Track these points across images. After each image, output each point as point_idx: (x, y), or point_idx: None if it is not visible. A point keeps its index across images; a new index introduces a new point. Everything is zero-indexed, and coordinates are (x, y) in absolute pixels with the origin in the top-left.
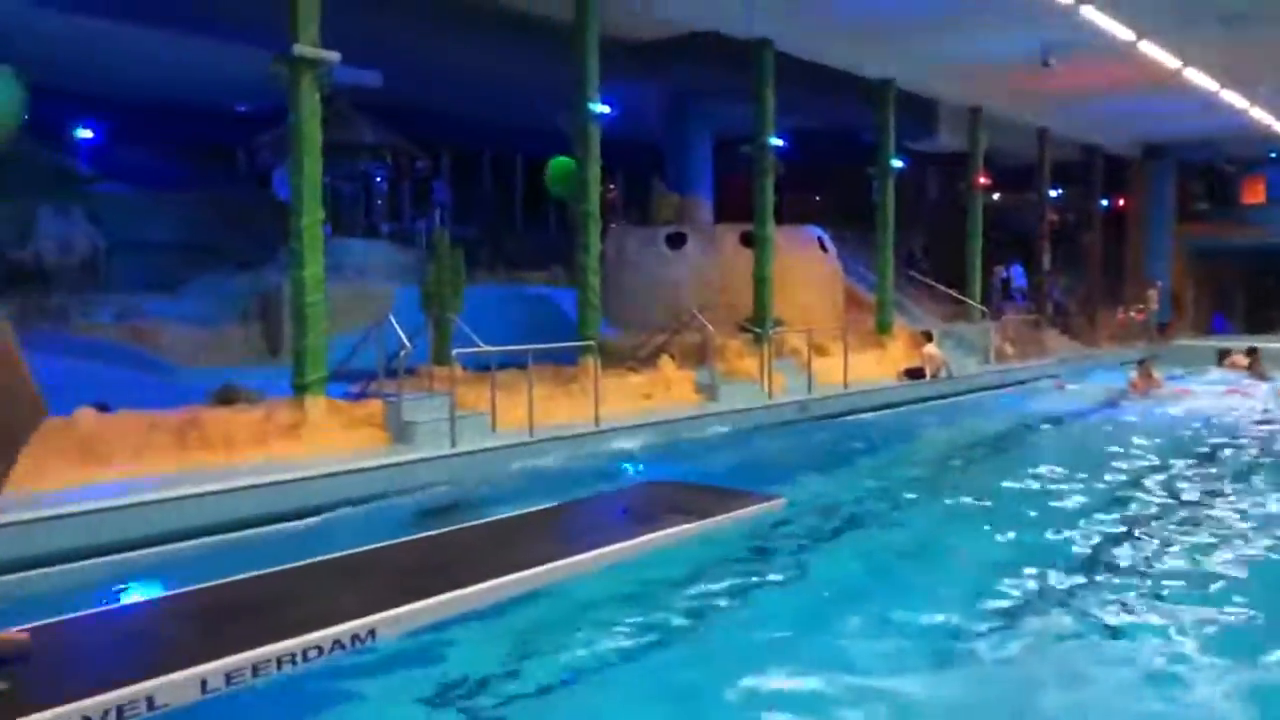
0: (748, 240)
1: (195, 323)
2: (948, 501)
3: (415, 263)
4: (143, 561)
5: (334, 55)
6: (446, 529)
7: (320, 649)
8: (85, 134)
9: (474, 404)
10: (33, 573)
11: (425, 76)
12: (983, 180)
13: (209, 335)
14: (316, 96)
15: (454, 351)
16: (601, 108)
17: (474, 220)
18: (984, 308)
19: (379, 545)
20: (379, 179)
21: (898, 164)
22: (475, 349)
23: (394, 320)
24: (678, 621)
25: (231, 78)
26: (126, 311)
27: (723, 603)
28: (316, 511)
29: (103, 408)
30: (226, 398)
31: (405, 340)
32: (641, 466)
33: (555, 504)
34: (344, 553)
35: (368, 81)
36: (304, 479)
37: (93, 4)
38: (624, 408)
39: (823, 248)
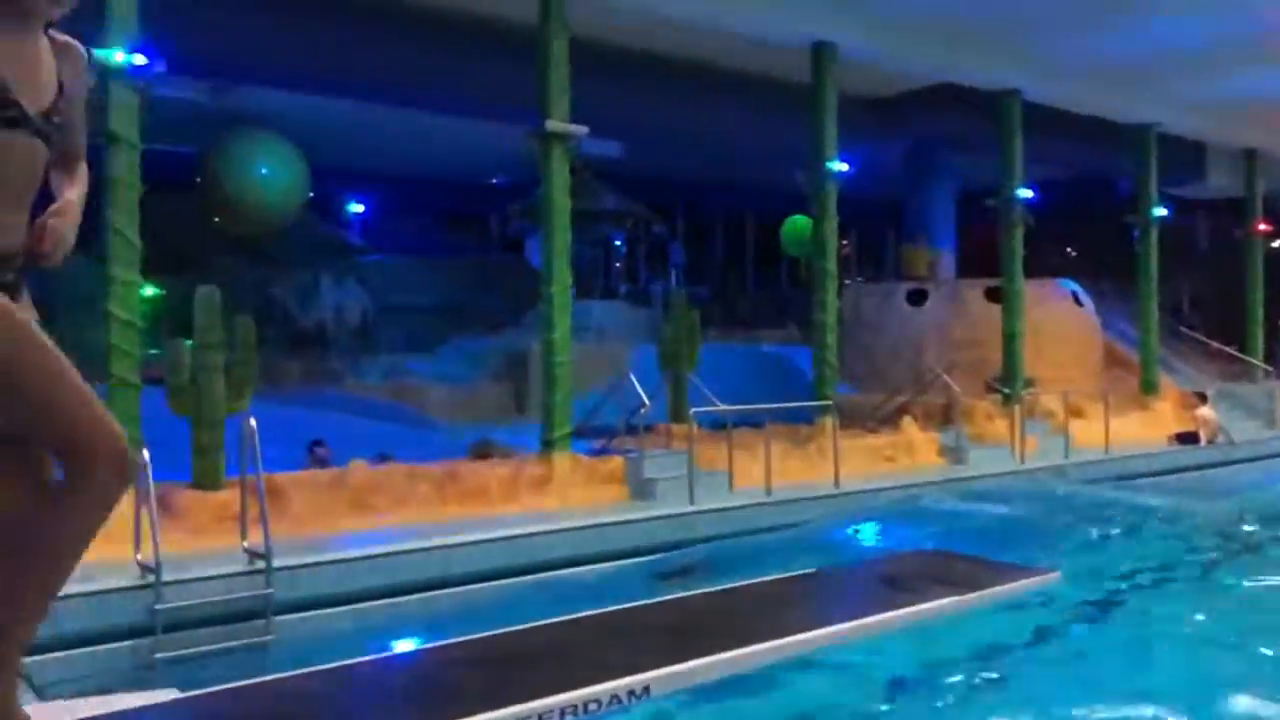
0: (994, 295)
1: (452, 381)
2: (1243, 581)
3: (651, 322)
4: (405, 608)
5: (582, 129)
6: (706, 590)
7: (599, 702)
8: (357, 208)
9: (712, 462)
10: (311, 614)
11: (663, 144)
12: (1262, 226)
13: (464, 393)
14: (566, 168)
15: (692, 411)
16: (840, 166)
17: (707, 280)
18: (1268, 366)
19: (640, 603)
20: (618, 243)
21: (1161, 212)
22: (713, 408)
23: (633, 379)
24: (948, 699)
25: (487, 153)
26: (393, 371)
27: (997, 683)
28: (565, 564)
29: (384, 458)
30: (482, 452)
31: (645, 398)
32: (885, 532)
33: (814, 570)
34: (606, 609)
35: (609, 152)
36: (551, 532)
37: (371, 93)
38: (864, 469)
39: (1077, 302)
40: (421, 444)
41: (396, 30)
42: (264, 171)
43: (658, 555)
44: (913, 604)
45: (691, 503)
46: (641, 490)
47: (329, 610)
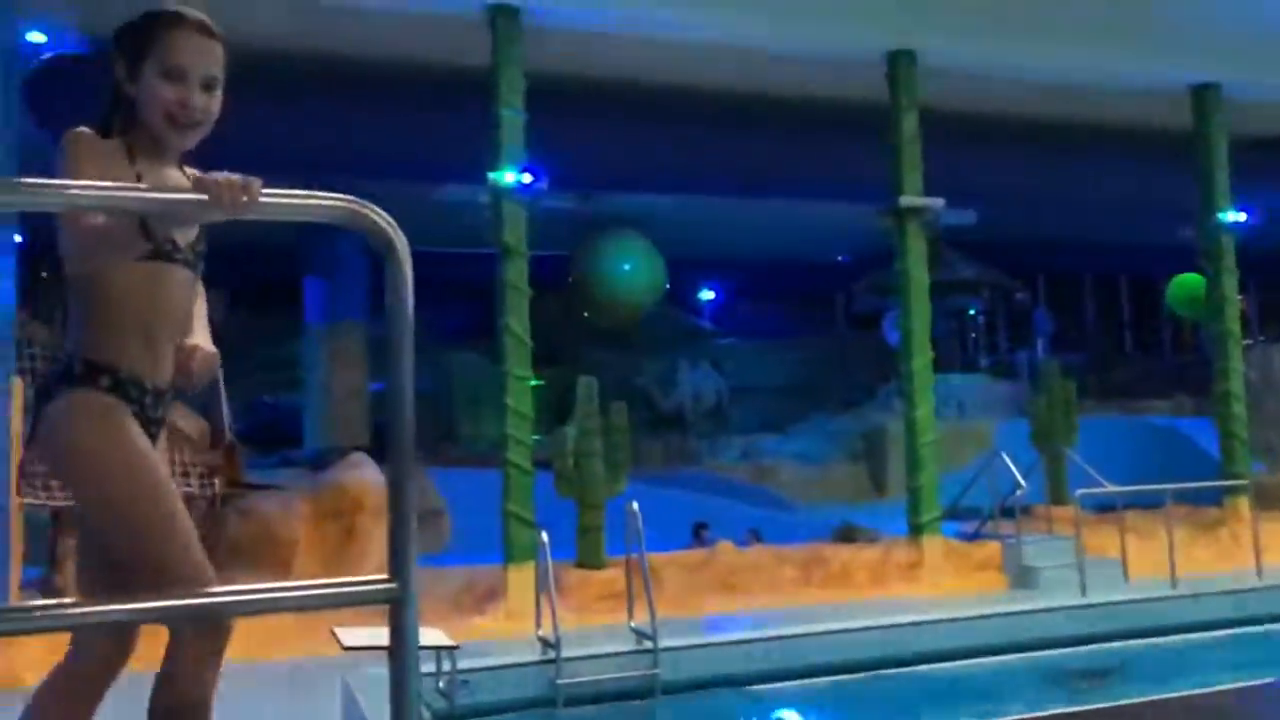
0: None
1: (806, 461)
2: None
3: (1017, 395)
4: (784, 693)
5: (938, 201)
6: (1139, 700)
7: None
8: (708, 295)
9: (1100, 549)
10: (693, 694)
11: (1020, 207)
12: None
13: (819, 473)
14: (922, 242)
15: (1077, 492)
16: (1236, 216)
17: (1077, 347)
18: None
19: (1068, 710)
20: (975, 313)
21: None
22: (1099, 489)
23: (1005, 457)
24: None
25: (833, 232)
26: (748, 451)
27: None
28: (940, 658)
29: (756, 535)
30: (847, 535)
31: (1020, 478)
32: None
33: (1272, 680)
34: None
35: (963, 220)
36: (927, 622)
37: (722, 188)
38: None
39: None
40: (779, 524)
41: (745, 126)
42: (626, 268)
43: (1043, 653)
44: None
45: (1083, 594)
46: (1022, 579)
47: (709, 691)
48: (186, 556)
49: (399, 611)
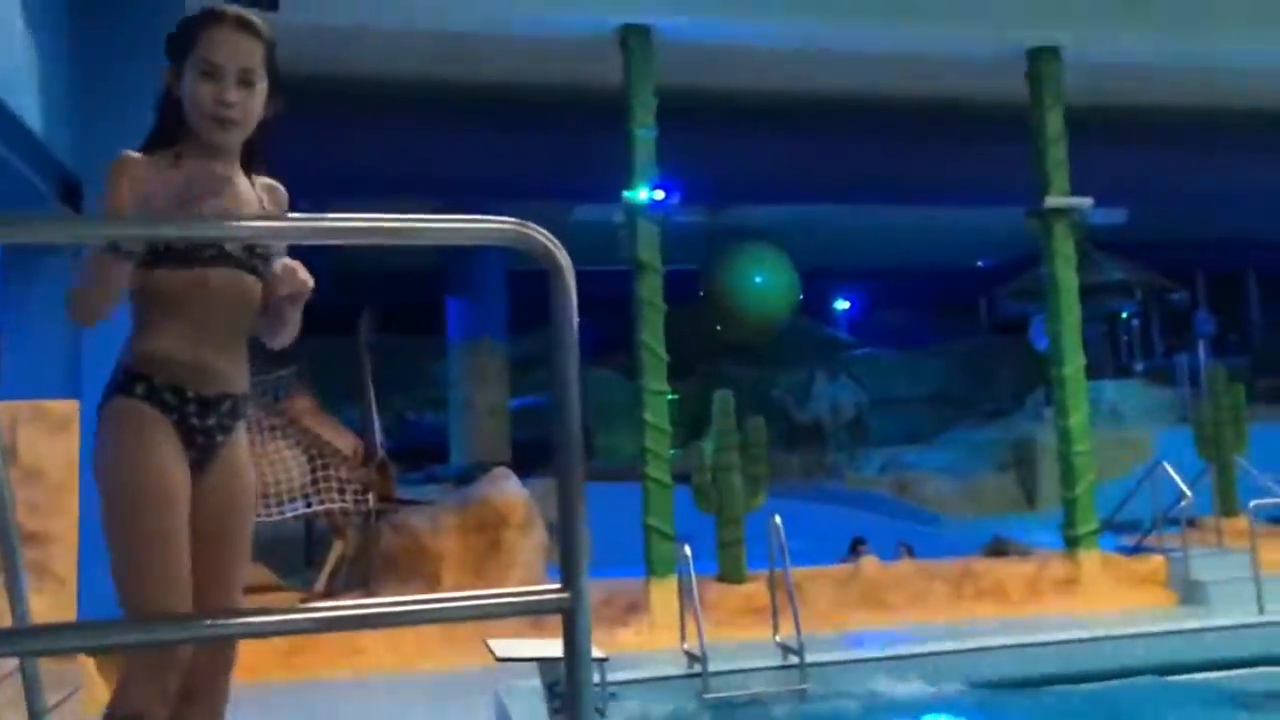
0: None
1: (951, 473)
2: None
3: (1175, 401)
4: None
5: (1086, 201)
6: None
7: None
8: (843, 304)
9: (1275, 564)
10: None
11: (1175, 203)
12: None
13: (965, 485)
14: (1070, 244)
15: (1252, 504)
16: None
17: (1241, 349)
18: None
19: None
20: (1128, 316)
21: None
22: (1277, 500)
23: (1167, 466)
24: None
25: (972, 236)
26: (890, 464)
27: None
28: (1103, 676)
29: (908, 549)
30: (998, 549)
31: (1185, 488)
32: None
33: None
34: None
35: (1113, 220)
36: (1088, 639)
37: (856, 196)
38: None
39: None
40: (926, 538)
41: (877, 132)
42: (758, 280)
43: (1217, 674)
44: None
45: (1260, 611)
46: (1190, 594)
47: (857, 706)
48: (155, 584)
49: (572, 622)
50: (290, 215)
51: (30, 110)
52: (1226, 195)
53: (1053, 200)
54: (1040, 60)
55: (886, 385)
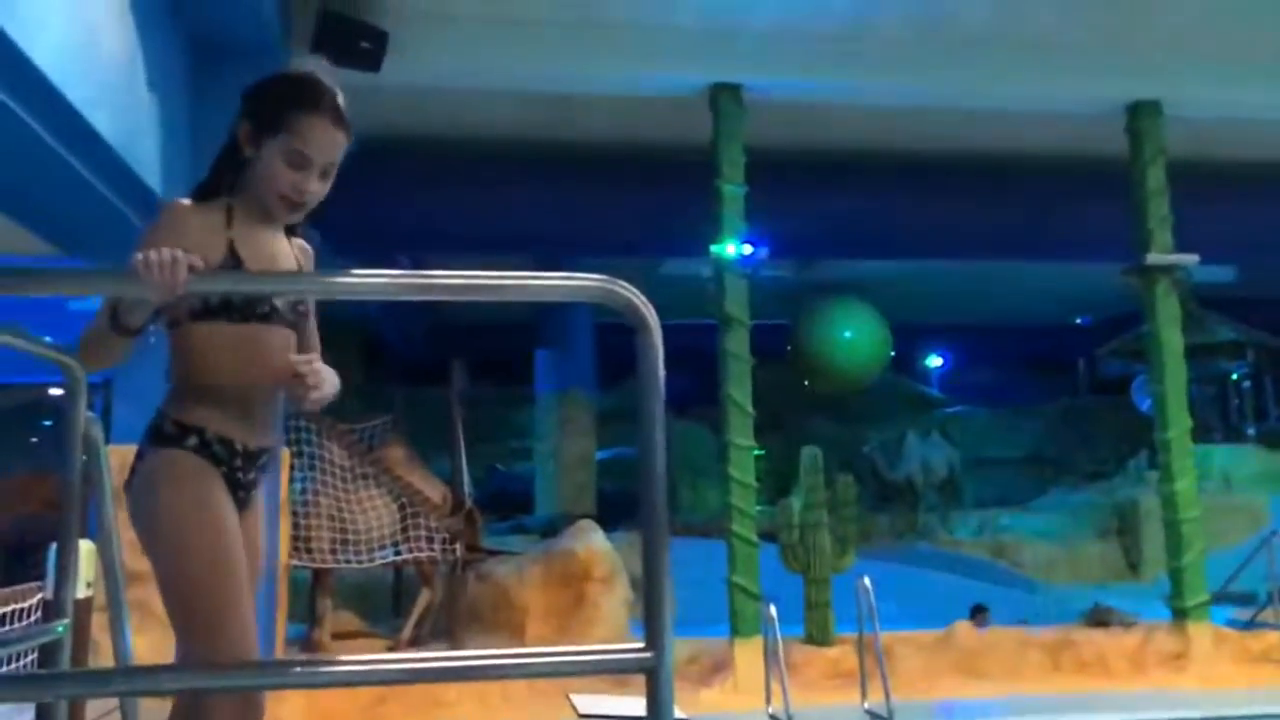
0: None
1: (1049, 537)
2: None
3: None
4: None
5: (1191, 258)
6: None
7: None
8: (936, 361)
9: None
10: None
11: None
12: None
13: (1064, 550)
14: (1174, 302)
15: None
16: None
17: None
18: None
19: None
20: (1238, 377)
21: None
22: None
23: None
24: None
25: (1070, 293)
26: (985, 526)
27: None
28: None
29: (980, 610)
30: (1099, 619)
31: None
32: None
33: None
34: None
35: (1219, 277)
36: (1200, 719)
37: (949, 253)
38: None
39: None
40: (1020, 605)
41: (970, 188)
42: (848, 335)
43: None
44: None
45: None
46: None
47: None
48: (230, 635)
49: (655, 681)
50: (391, 272)
51: (150, 170)
52: None
53: (1154, 257)
54: (1140, 114)
55: (980, 445)
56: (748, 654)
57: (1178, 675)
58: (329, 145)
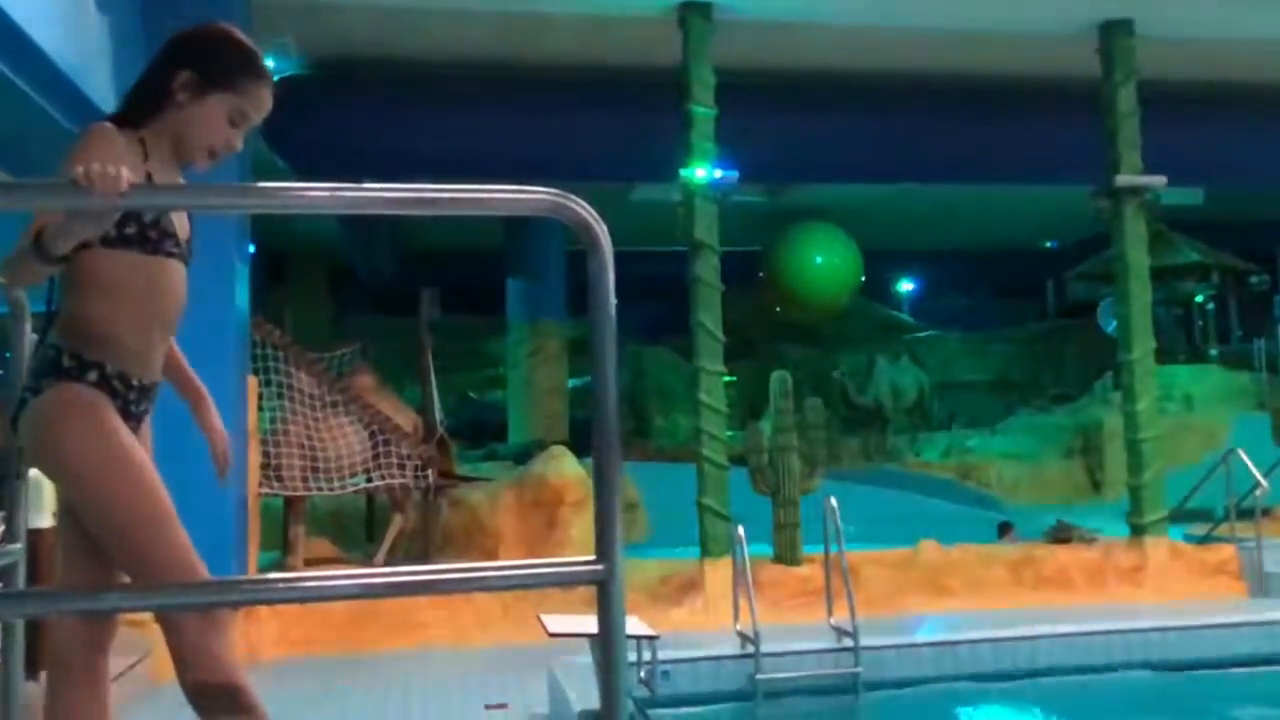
0: None
1: (1015, 458)
2: None
3: (1252, 387)
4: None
5: (1159, 180)
6: None
7: None
8: (906, 286)
9: None
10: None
11: (1255, 182)
12: None
13: (1029, 470)
14: (1142, 224)
15: None
16: None
17: None
18: None
19: None
20: (1203, 299)
21: None
22: None
23: (1241, 453)
24: None
25: (1039, 217)
26: (953, 448)
27: None
28: (1166, 668)
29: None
30: (1061, 536)
31: (1260, 477)
32: None
33: None
34: None
35: (1189, 200)
36: (1154, 629)
37: (918, 175)
38: None
39: None
40: (987, 524)
41: (942, 109)
42: (819, 261)
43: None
44: None
45: None
46: (1263, 586)
47: (911, 691)
48: (177, 548)
49: (606, 593)
50: (328, 185)
51: (103, 93)
52: None
53: (1124, 179)
54: (1112, 34)
55: (950, 369)
56: (717, 574)
57: (1135, 589)
58: (266, 110)
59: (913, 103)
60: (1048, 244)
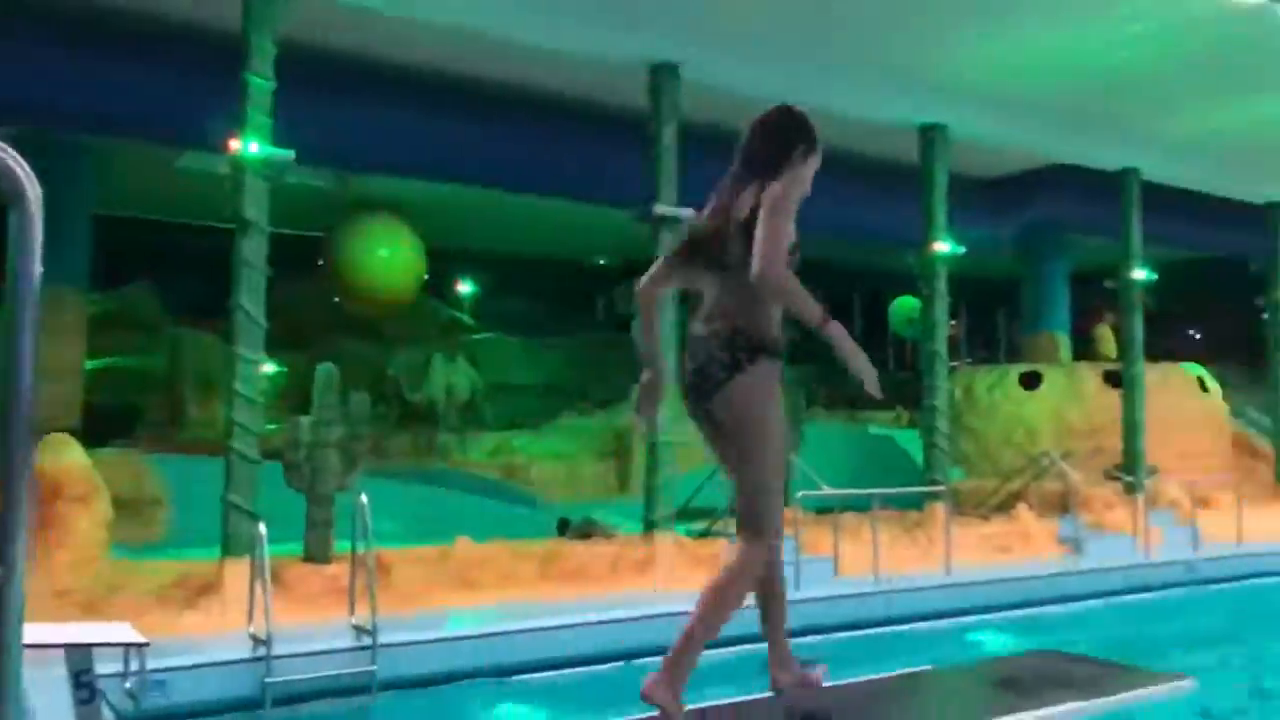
0: (1113, 380)
1: (555, 458)
2: None
3: None
4: (509, 688)
5: (687, 212)
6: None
7: None
8: (468, 287)
9: (816, 547)
10: (414, 691)
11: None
12: None
13: (566, 470)
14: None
15: (799, 494)
16: (950, 247)
17: (811, 360)
18: None
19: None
20: None
21: None
22: (818, 492)
23: None
24: None
25: (595, 234)
26: (500, 448)
27: None
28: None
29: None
30: (584, 532)
31: None
32: (1000, 627)
33: (923, 668)
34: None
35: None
36: (652, 616)
37: (484, 178)
38: (977, 559)
39: (1203, 387)
40: (527, 521)
41: (514, 119)
42: (383, 253)
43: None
44: (1032, 709)
45: (796, 589)
46: None
47: (432, 688)
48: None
49: (3, 594)
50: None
51: None
52: (823, 225)
53: (660, 208)
54: (660, 75)
55: (505, 371)
56: (239, 574)
57: (644, 579)
58: None
59: (483, 108)
60: (600, 260)
